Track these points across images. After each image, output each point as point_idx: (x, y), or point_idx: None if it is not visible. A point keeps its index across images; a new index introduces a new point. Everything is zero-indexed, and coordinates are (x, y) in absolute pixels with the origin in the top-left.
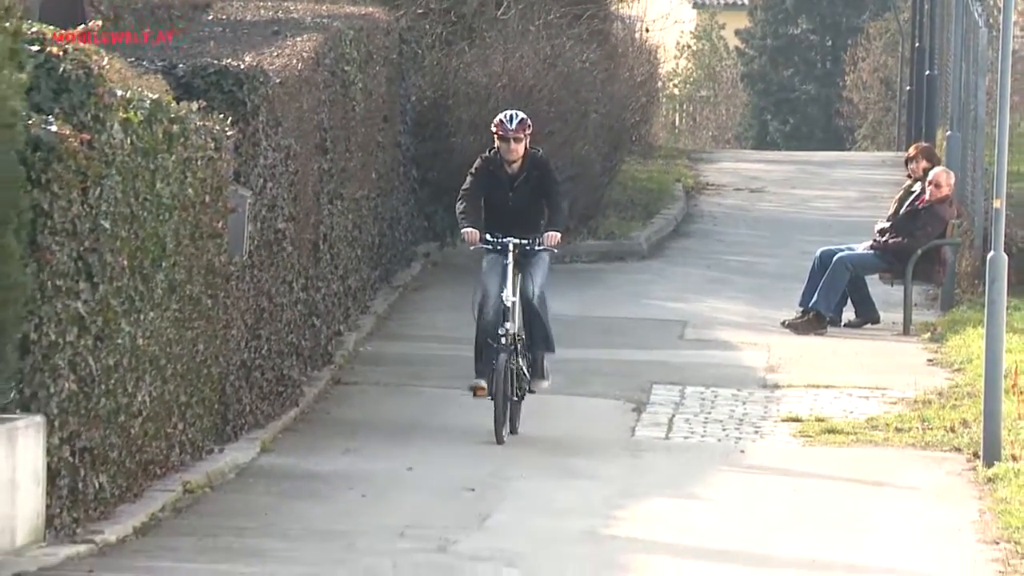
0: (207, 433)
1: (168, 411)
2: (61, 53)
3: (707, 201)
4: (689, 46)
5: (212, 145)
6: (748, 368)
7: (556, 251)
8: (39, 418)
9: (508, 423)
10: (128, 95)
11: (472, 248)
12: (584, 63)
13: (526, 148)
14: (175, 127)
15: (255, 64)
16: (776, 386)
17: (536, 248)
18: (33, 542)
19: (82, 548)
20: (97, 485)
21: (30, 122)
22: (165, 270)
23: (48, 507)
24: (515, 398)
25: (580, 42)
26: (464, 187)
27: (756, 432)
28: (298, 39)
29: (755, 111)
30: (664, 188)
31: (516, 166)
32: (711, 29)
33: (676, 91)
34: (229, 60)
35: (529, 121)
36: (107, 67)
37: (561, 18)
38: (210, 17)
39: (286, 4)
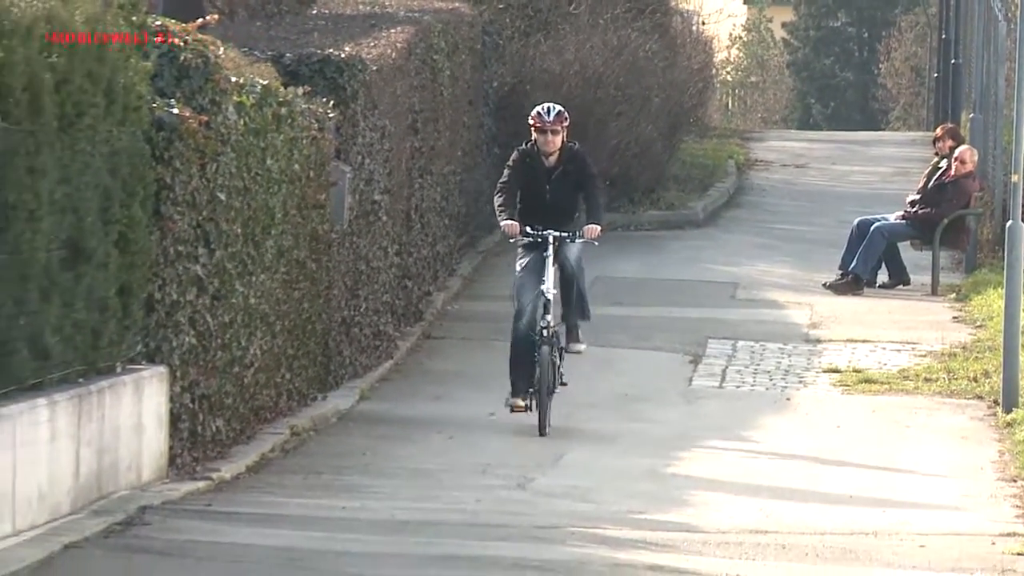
0: (312, 382)
1: (277, 362)
2: (182, 43)
3: (756, 176)
4: (740, 37)
5: (316, 126)
6: (793, 324)
7: (595, 244)
8: (162, 368)
9: (549, 410)
10: (241, 81)
11: (512, 241)
12: (647, 53)
13: (563, 141)
14: (283, 110)
15: (354, 53)
16: (818, 341)
17: (575, 241)
18: (157, 479)
19: (201, 484)
20: (214, 428)
21: (154, 105)
22: (274, 237)
23: (170, 448)
24: (555, 390)
25: (643, 34)
26: (502, 180)
27: (800, 382)
28: (392, 31)
29: (799, 95)
30: (718, 164)
31: (553, 159)
32: (760, 22)
33: (729, 77)
34: (331, 50)
35: (566, 114)
36: (223, 56)
37: (626, 12)
38: (314, 11)
39: (381, 0)
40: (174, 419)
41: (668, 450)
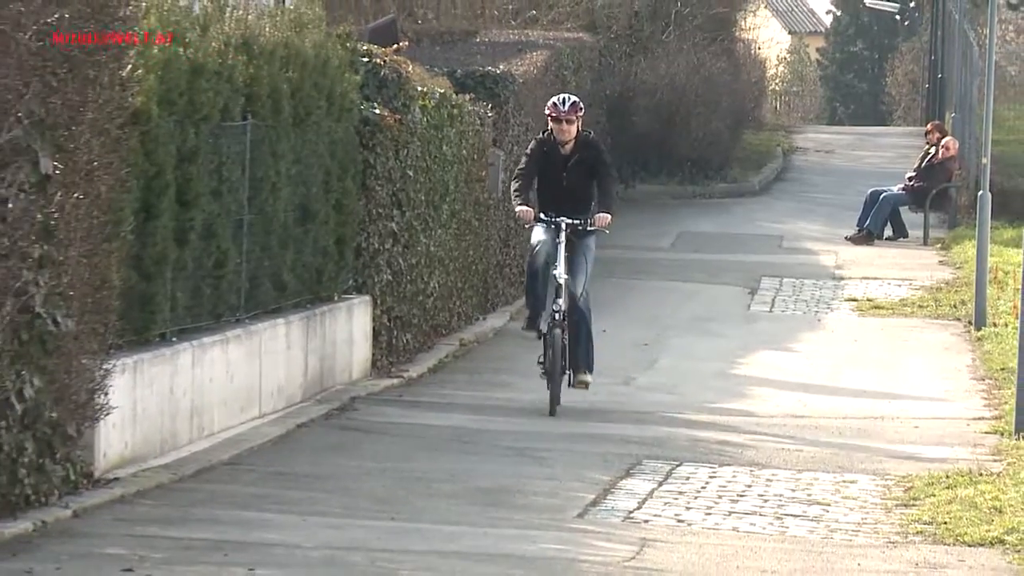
0: (475, 307)
1: (449, 293)
2: (382, 63)
3: (797, 158)
4: (785, 58)
5: (478, 122)
6: (823, 266)
7: (607, 232)
8: (367, 297)
9: (561, 393)
10: (424, 89)
11: (527, 227)
12: (718, 69)
13: (578, 130)
14: (455, 110)
15: (506, 70)
16: (841, 278)
17: (588, 228)
18: (363, 377)
19: (394, 381)
20: (404, 341)
21: (362, 107)
22: (448, 203)
23: (372, 355)
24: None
25: (715, 56)
26: (519, 167)
27: (828, 308)
28: (533, 54)
29: (828, 100)
30: (769, 150)
31: (569, 147)
32: (799, 47)
33: (776, 87)
34: (489, 67)
35: (581, 104)
36: (411, 71)
37: (703, 40)
38: (477, 40)
39: (526, 32)
40: (375, 334)
41: (732, 357)
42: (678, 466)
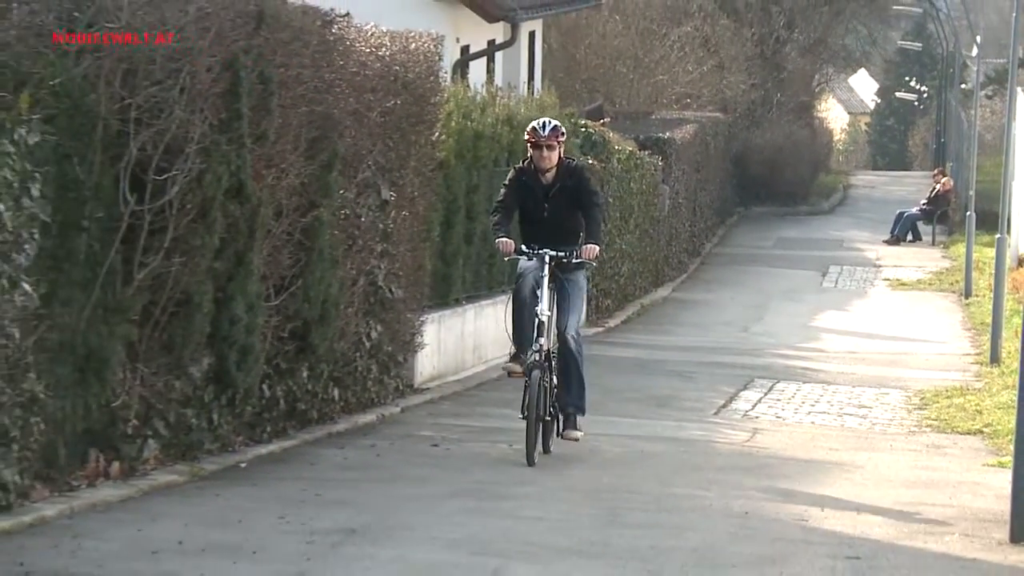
0: (649, 284)
1: (633, 274)
2: (593, 131)
3: (852, 191)
4: (844, 128)
5: (652, 168)
6: (868, 258)
7: (594, 265)
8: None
9: (541, 442)
10: (619, 148)
11: (507, 259)
12: (802, 136)
13: (560, 157)
14: (638, 161)
15: (670, 136)
16: (879, 266)
17: (573, 261)
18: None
19: (600, 329)
20: (606, 305)
21: (581, 158)
22: (633, 218)
23: (587, 313)
24: (547, 417)
25: (800, 127)
26: (498, 199)
27: (871, 284)
28: (687, 126)
29: (871, 155)
30: (834, 185)
31: (550, 175)
32: (855, 121)
33: (839, 147)
34: (660, 134)
35: (563, 129)
36: (611, 136)
37: (793, 117)
38: (652, 117)
39: (683, 112)
40: (589, 300)
41: (810, 315)
42: (776, 383)
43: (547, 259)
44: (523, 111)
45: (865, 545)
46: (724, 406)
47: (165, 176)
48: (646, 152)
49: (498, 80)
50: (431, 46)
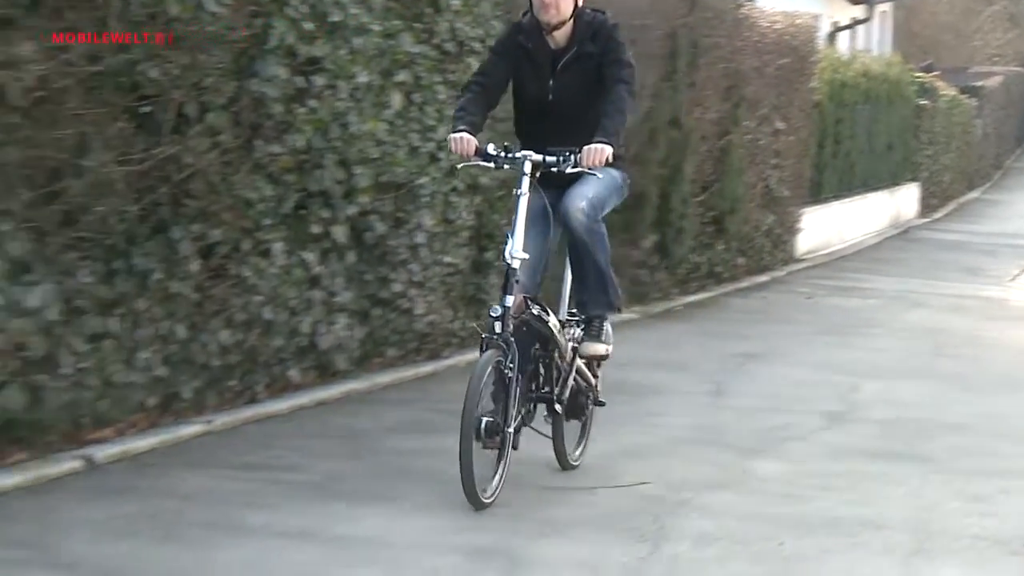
0: (965, 187)
1: (953, 181)
2: (925, 81)
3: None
4: None
5: (969, 107)
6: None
7: (599, 176)
8: (916, 183)
9: (497, 473)
10: (944, 93)
11: (460, 167)
12: None
13: (576, 4)
14: (958, 101)
15: (982, 84)
16: None
17: (567, 171)
18: (914, 217)
19: (926, 219)
20: (932, 203)
21: (916, 100)
22: (955, 141)
23: (919, 209)
24: (509, 428)
25: None
26: (475, 71)
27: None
28: (995, 77)
29: None
30: None
31: (562, 35)
32: None
33: None
34: (974, 83)
35: None
36: (939, 84)
37: None
38: (969, 70)
39: (993, 68)
40: (921, 199)
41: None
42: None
43: (525, 167)
44: (875, 66)
45: None
46: (1018, 275)
47: None
48: (965, 96)
49: (859, 45)
50: (810, 21)
